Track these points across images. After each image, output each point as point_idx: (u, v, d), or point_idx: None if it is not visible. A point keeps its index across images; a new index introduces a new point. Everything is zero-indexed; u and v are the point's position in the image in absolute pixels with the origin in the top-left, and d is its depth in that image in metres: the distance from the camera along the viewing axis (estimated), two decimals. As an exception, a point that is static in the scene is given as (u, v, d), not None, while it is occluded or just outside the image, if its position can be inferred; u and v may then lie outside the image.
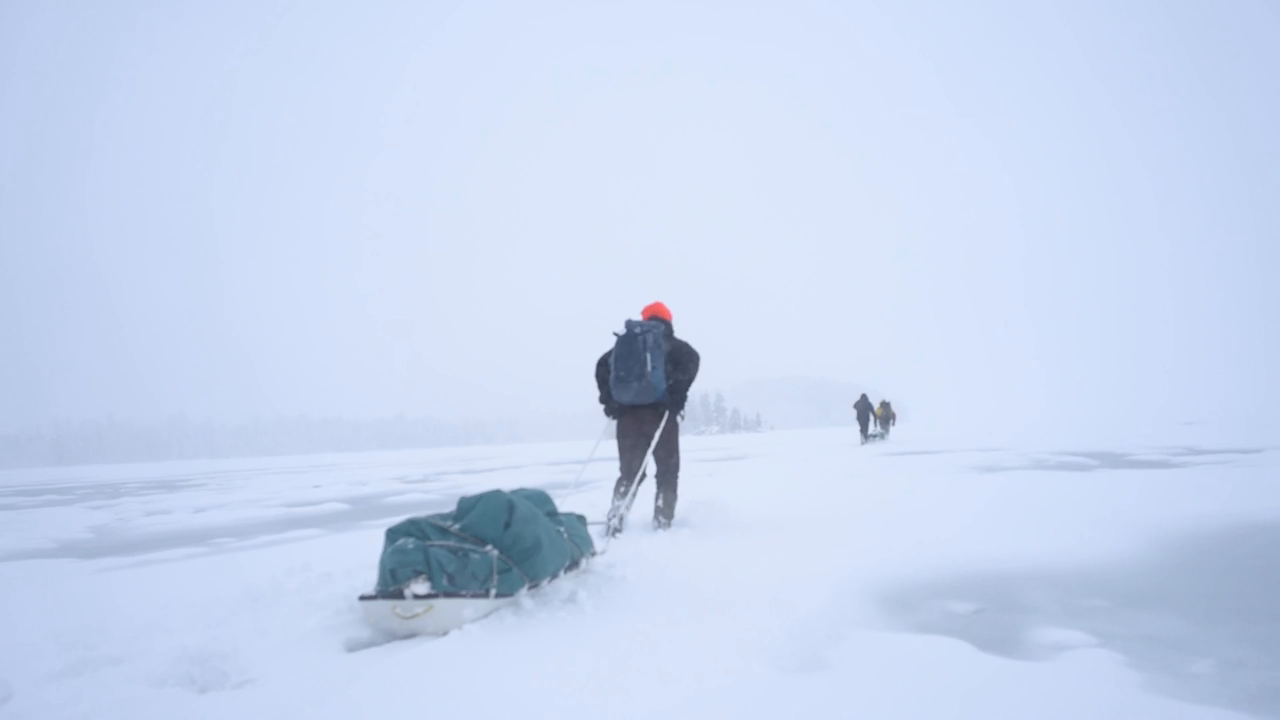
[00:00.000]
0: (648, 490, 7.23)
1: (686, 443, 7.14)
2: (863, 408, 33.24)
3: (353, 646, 3.60)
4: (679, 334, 7.43)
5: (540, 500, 4.70)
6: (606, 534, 6.36)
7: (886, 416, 35.83)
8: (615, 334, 7.04)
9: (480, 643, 3.41)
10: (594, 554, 5.06)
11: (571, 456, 34.15)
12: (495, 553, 3.94)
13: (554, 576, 4.34)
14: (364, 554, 5.74)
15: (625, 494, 6.82)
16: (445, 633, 3.61)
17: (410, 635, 3.67)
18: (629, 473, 7.03)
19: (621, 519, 6.66)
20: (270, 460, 79.91)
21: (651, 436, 6.99)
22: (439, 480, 20.10)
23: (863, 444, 30.60)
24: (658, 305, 7.48)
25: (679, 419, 7.23)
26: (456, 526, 4.09)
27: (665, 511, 7.01)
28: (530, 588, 4.10)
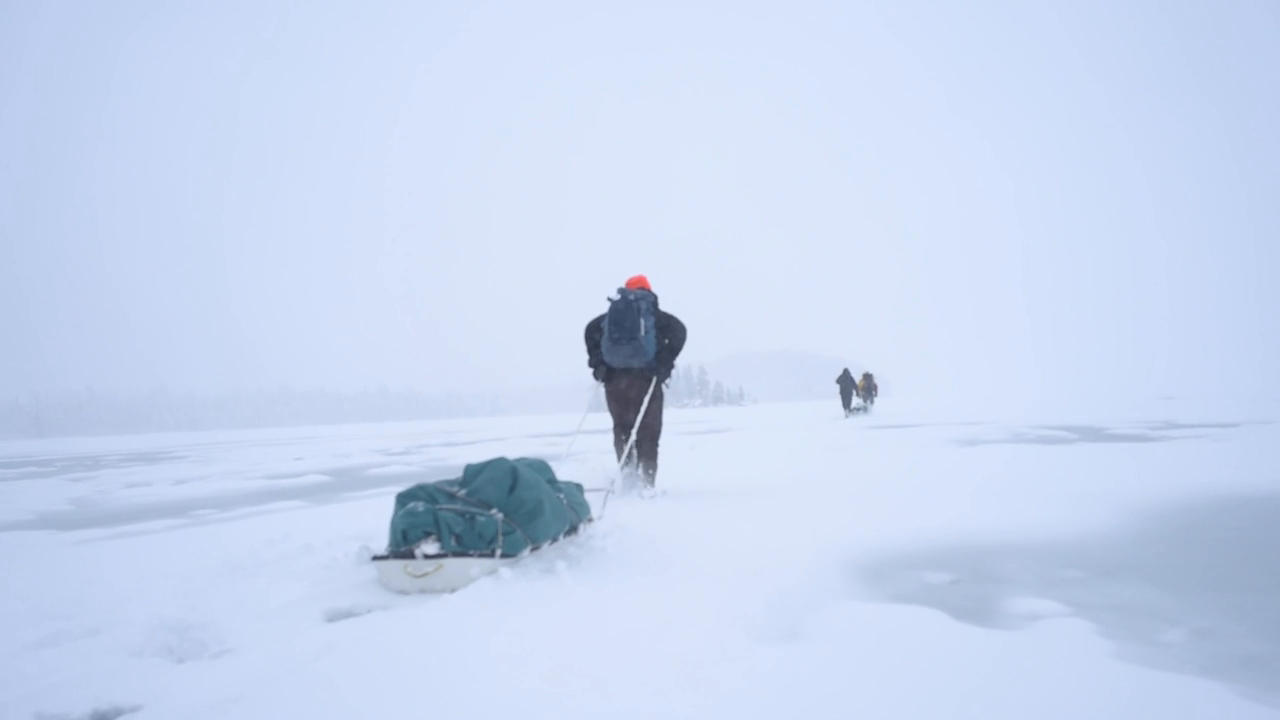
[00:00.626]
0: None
1: (670, 415, 7.52)
2: (845, 381, 33.39)
3: (332, 617, 3.60)
4: (666, 306, 7.56)
5: (540, 468, 4.83)
6: (620, 466, 6.99)
7: (869, 389, 35.94)
8: (609, 299, 7.24)
9: (458, 614, 3.42)
10: (591, 519, 5.23)
11: (554, 429, 34.20)
12: (500, 516, 4.13)
13: (554, 540, 4.54)
14: (345, 525, 5.74)
15: (625, 440, 7.15)
16: (453, 590, 3.79)
17: (422, 592, 3.88)
18: (623, 425, 7.37)
19: (629, 457, 7.07)
20: (252, 433, 79.65)
21: (639, 400, 7.23)
22: (420, 453, 20.10)
23: (846, 417, 30.76)
24: (641, 278, 7.64)
25: (665, 387, 7.43)
26: (463, 491, 4.33)
27: (647, 479, 7.24)
28: (532, 549, 4.29)
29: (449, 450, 20.61)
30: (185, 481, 13.60)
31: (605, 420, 7.69)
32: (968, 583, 4.02)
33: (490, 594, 3.71)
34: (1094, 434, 14.35)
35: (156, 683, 2.75)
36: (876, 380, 37.38)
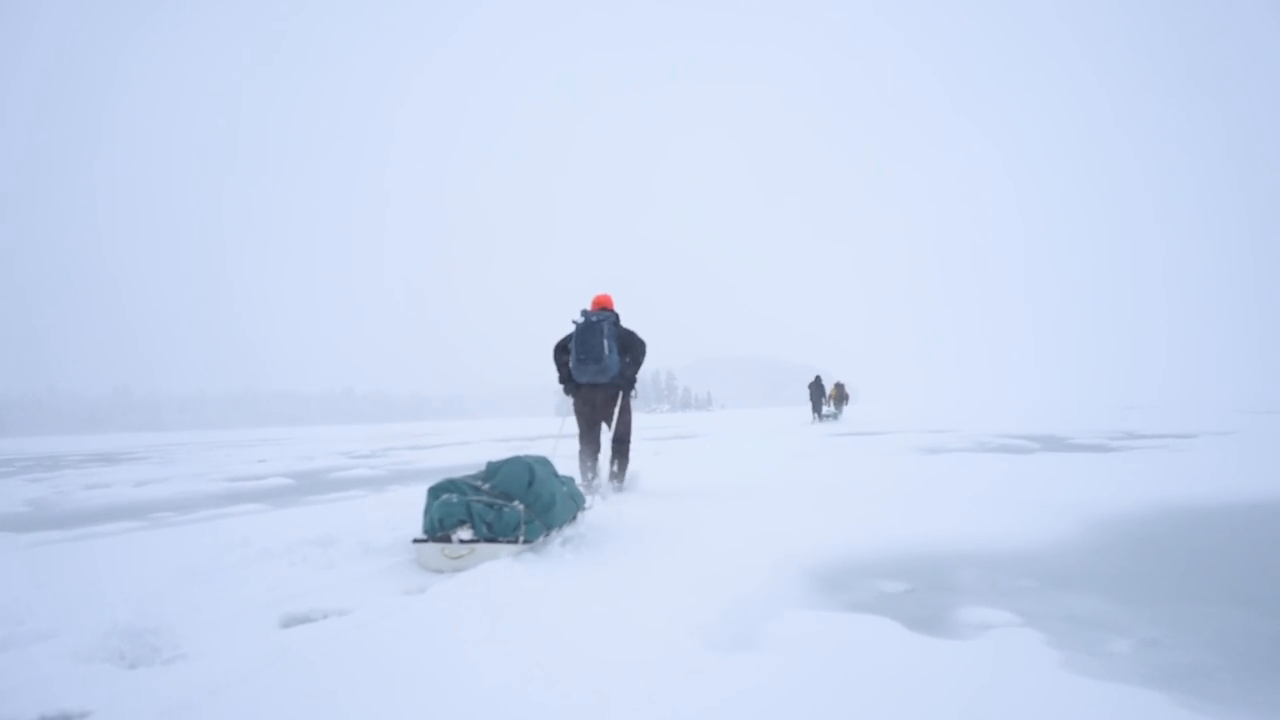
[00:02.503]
0: (604, 457, 7.96)
1: (637, 420, 7.98)
2: (816, 388, 33.54)
3: (288, 622, 3.59)
4: (635, 315, 8.24)
5: (545, 465, 5.44)
6: (583, 480, 7.60)
7: (840, 397, 36.10)
8: (574, 322, 7.83)
9: (415, 619, 3.41)
10: (585, 509, 5.99)
11: (520, 433, 34.12)
12: (521, 507, 4.81)
13: (560, 527, 5.30)
14: (305, 530, 5.70)
15: (592, 467, 7.84)
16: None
17: (455, 572, 4.35)
18: (590, 443, 7.95)
19: (591, 484, 7.55)
20: (216, 434, 78.83)
21: (606, 412, 7.98)
22: (385, 456, 19.97)
23: (814, 423, 30.89)
24: (605, 298, 8.29)
25: (631, 397, 8.11)
26: (487, 486, 5.02)
27: (619, 476, 7.91)
28: (545, 535, 5.00)
29: (415, 454, 20.51)
30: (146, 483, 13.45)
31: (573, 426, 8.21)
32: (923, 592, 4.07)
33: (446, 604, 3.70)
34: (1055, 443, 14.52)
35: (106, 689, 2.73)
36: (848, 389, 37.56)
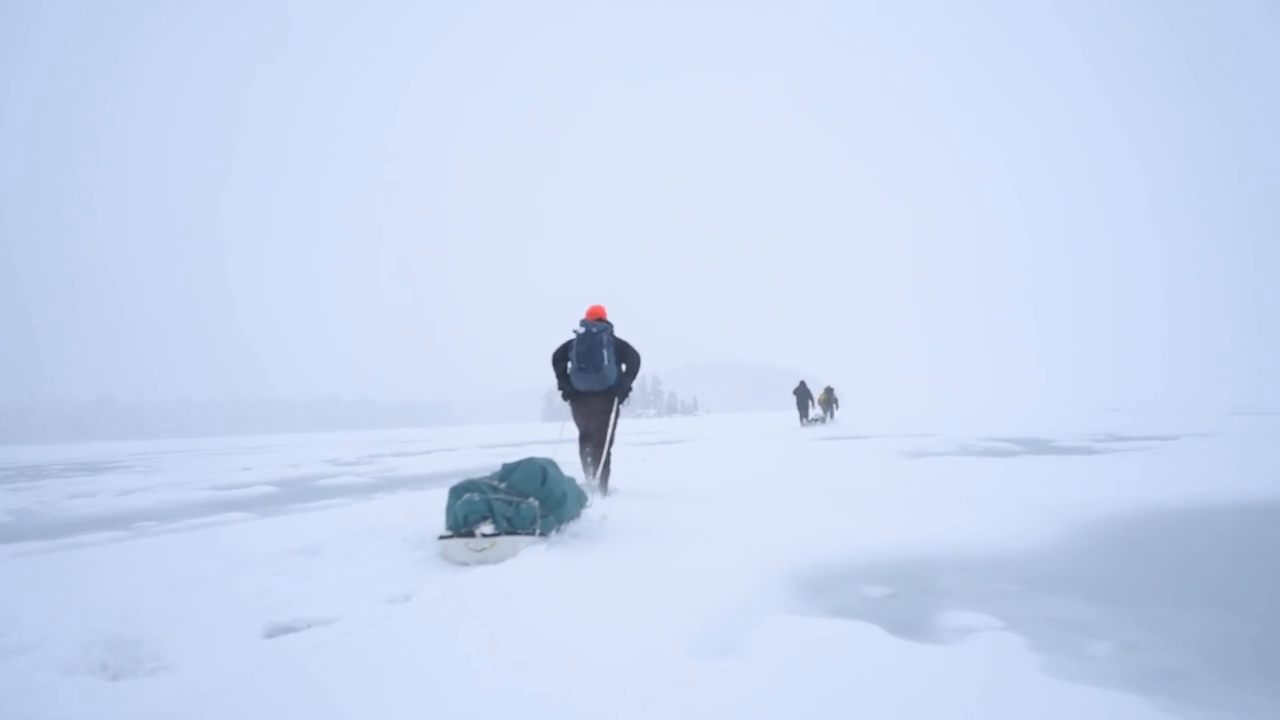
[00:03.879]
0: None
1: (623, 425, 8.27)
2: (801, 393, 33.58)
3: (272, 632, 3.59)
4: (625, 321, 8.66)
5: (554, 465, 5.88)
6: (586, 479, 7.99)
7: (829, 402, 36.15)
8: (575, 331, 8.30)
9: (399, 630, 3.41)
10: (589, 506, 6.57)
11: (507, 439, 34.06)
12: (536, 503, 5.33)
13: (569, 522, 5.83)
14: (289, 539, 5.67)
15: (592, 466, 8.23)
16: (500, 561, 4.79)
17: (479, 564, 4.80)
18: (588, 437, 8.46)
19: (591, 467, 8.19)
20: (201, 441, 78.40)
21: (602, 417, 8.35)
22: (372, 463, 19.89)
23: (801, 427, 30.93)
24: (599, 308, 8.64)
25: (623, 405, 8.48)
26: (504, 485, 5.52)
27: (602, 484, 8.11)
28: (558, 529, 5.58)
29: (400, 460, 20.45)
30: (129, 492, 13.36)
31: (573, 430, 8.65)
32: (905, 596, 4.09)
33: (421, 614, 3.69)
34: (1038, 446, 14.58)
35: (89, 701, 2.72)
36: (836, 393, 37.59)
